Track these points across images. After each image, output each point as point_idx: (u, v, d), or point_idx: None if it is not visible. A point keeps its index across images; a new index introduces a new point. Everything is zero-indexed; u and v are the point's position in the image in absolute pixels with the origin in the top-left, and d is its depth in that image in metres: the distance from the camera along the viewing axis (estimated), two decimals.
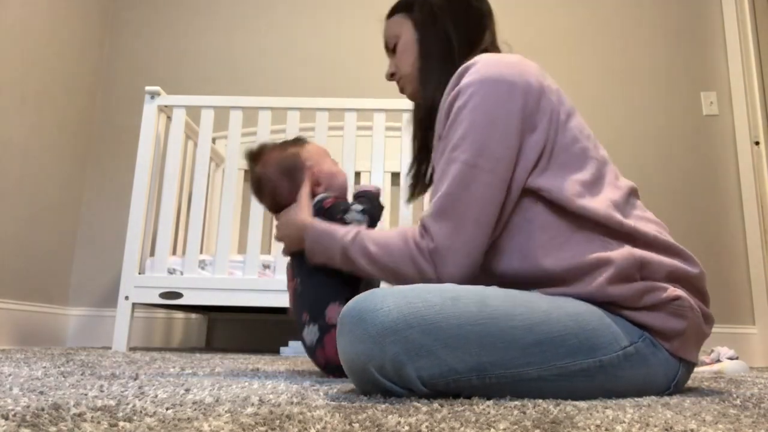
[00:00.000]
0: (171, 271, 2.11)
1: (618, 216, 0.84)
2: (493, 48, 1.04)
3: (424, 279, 0.86)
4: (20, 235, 2.38)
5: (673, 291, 0.82)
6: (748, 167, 2.74)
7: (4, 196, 2.28)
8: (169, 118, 2.29)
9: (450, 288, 0.78)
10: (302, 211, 1.11)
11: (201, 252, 2.63)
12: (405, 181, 1.27)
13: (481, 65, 0.89)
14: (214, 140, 2.82)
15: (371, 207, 1.13)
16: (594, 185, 0.87)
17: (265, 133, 2.19)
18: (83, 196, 2.86)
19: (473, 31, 1.01)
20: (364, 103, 2.21)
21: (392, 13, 1.08)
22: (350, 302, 0.76)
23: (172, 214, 2.17)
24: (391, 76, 1.09)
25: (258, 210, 2.14)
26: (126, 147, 2.90)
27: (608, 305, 0.82)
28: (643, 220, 0.88)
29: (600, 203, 0.85)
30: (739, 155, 2.77)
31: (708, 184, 2.79)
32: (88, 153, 2.91)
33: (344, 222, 1.08)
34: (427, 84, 1.01)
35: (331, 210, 1.11)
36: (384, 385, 0.72)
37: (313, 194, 1.17)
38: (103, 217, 2.84)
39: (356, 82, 2.99)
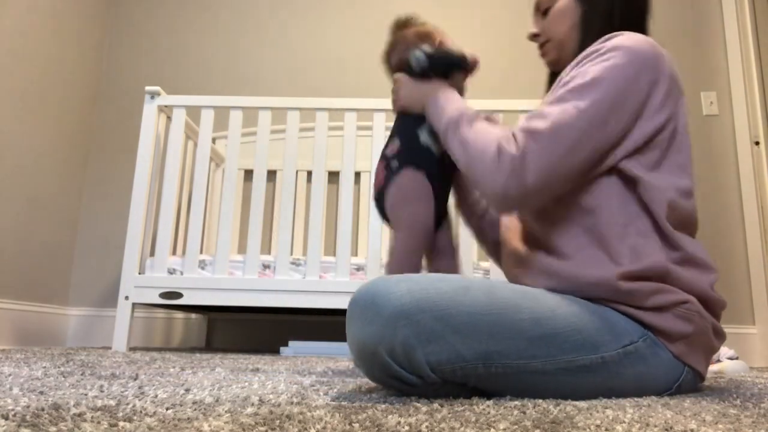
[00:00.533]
0: (171, 271, 2.11)
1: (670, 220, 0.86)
2: (643, 30, 1.02)
3: (493, 178, 0.85)
4: (20, 235, 2.38)
5: (683, 295, 0.83)
6: (748, 167, 2.74)
7: (3, 196, 2.28)
8: (169, 118, 2.29)
9: (461, 279, 0.80)
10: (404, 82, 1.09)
11: (201, 252, 2.63)
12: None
13: (627, 36, 0.89)
14: (214, 140, 2.83)
15: (439, 52, 1.06)
16: (679, 191, 0.88)
17: (265, 133, 2.19)
18: (83, 196, 2.86)
19: (636, 13, 1.00)
20: (364, 103, 2.21)
21: None
22: (362, 287, 0.78)
23: (172, 214, 2.17)
24: (534, 37, 1.08)
25: (258, 210, 2.14)
26: (126, 147, 2.90)
27: (613, 301, 0.83)
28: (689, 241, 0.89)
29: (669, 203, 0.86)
30: (739, 155, 2.77)
31: (708, 184, 2.79)
32: (88, 153, 2.91)
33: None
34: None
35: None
36: (393, 369, 0.73)
37: None
38: (103, 217, 2.84)
39: (356, 82, 2.99)
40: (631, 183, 0.87)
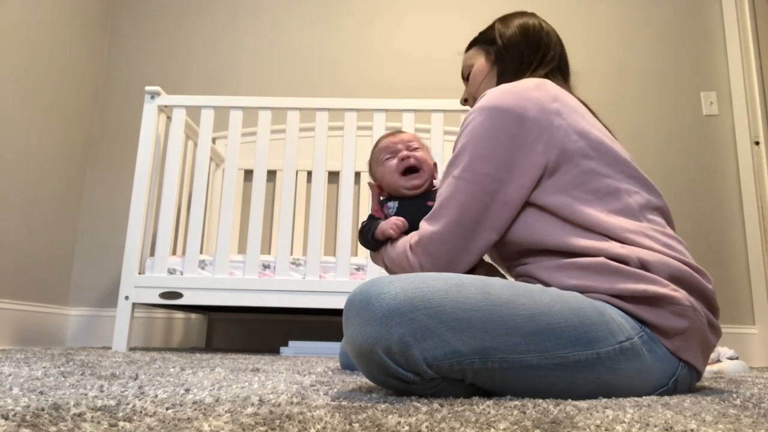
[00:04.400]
0: (171, 271, 2.11)
1: (614, 221, 0.90)
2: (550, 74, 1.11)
3: (412, 269, 1.01)
4: (20, 235, 2.38)
5: (672, 290, 0.84)
6: (748, 167, 2.74)
7: (4, 196, 2.28)
8: (169, 118, 2.29)
9: (454, 276, 0.81)
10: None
11: (201, 252, 2.63)
12: None
13: (487, 95, 0.99)
14: (214, 140, 2.83)
15: (359, 233, 1.22)
16: (600, 200, 0.93)
17: (265, 133, 2.19)
18: (83, 196, 2.86)
19: (548, 63, 1.11)
20: (364, 103, 2.21)
21: (469, 47, 1.22)
22: (356, 289, 0.80)
23: (172, 214, 2.17)
24: (464, 102, 1.23)
25: (258, 210, 2.14)
26: (126, 147, 2.90)
27: (612, 296, 0.85)
28: (654, 234, 0.91)
29: (601, 213, 0.91)
30: (739, 155, 2.77)
31: (708, 184, 2.79)
32: (88, 153, 2.91)
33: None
34: None
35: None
36: (391, 368, 0.74)
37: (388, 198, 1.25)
38: (103, 217, 2.84)
39: (356, 82, 2.99)
40: (554, 211, 0.93)
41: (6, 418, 0.51)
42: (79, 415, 0.54)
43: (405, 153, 1.20)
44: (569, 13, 3.05)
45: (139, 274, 2.11)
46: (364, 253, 2.68)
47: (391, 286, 0.76)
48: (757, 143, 2.72)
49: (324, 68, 3.02)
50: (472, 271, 1.10)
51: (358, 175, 2.79)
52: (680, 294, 0.84)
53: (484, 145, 0.95)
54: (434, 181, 1.23)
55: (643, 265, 0.86)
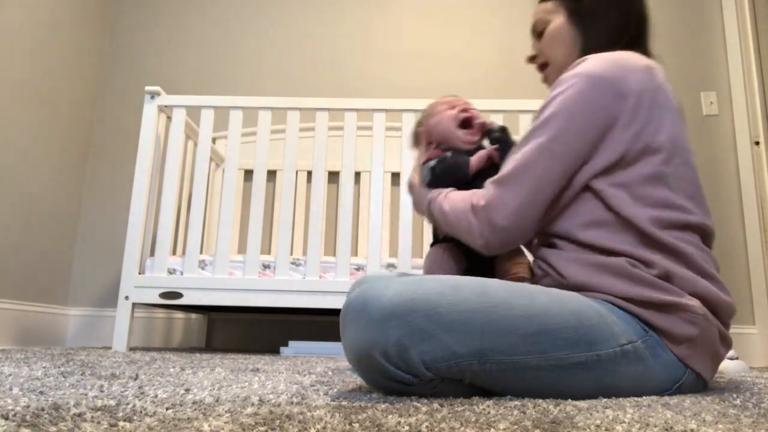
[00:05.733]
0: (171, 271, 2.11)
1: (656, 230, 0.86)
2: (640, 47, 1.01)
3: (472, 234, 0.93)
4: (20, 235, 2.38)
5: (688, 299, 0.83)
6: (748, 167, 2.74)
7: (3, 196, 2.28)
8: (169, 118, 2.29)
9: (451, 278, 0.81)
10: (413, 174, 1.17)
11: (201, 252, 2.63)
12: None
13: (592, 61, 0.91)
14: (214, 140, 2.83)
15: (442, 167, 1.12)
16: (652, 207, 0.88)
17: (265, 133, 2.19)
18: (83, 196, 2.86)
19: (634, 33, 1.00)
20: (364, 103, 2.21)
21: None
22: (353, 292, 0.79)
23: (172, 214, 2.17)
24: (530, 59, 1.11)
25: (258, 210, 2.14)
26: (126, 147, 2.90)
27: (621, 298, 0.84)
28: (686, 243, 0.88)
29: (648, 220, 0.87)
30: (739, 155, 2.77)
31: (708, 184, 2.79)
32: (88, 153, 2.91)
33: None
34: None
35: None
36: (389, 370, 0.74)
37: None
38: (103, 217, 2.84)
39: (356, 82, 2.99)
40: (605, 200, 0.89)
41: (6, 418, 0.51)
42: (79, 415, 0.54)
43: (465, 106, 1.17)
44: None
45: (139, 274, 2.11)
46: (363, 253, 2.68)
47: (387, 289, 0.75)
48: (757, 143, 2.71)
49: (324, 68, 3.02)
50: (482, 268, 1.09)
51: (358, 175, 2.79)
52: (694, 302, 0.83)
53: (579, 117, 0.88)
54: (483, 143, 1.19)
55: (668, 279, 0.84)
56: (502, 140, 1.14)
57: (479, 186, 0.99)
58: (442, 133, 1.16)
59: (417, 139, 1.24)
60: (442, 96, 1.25)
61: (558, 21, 1.04)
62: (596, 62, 0.90)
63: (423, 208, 1.08)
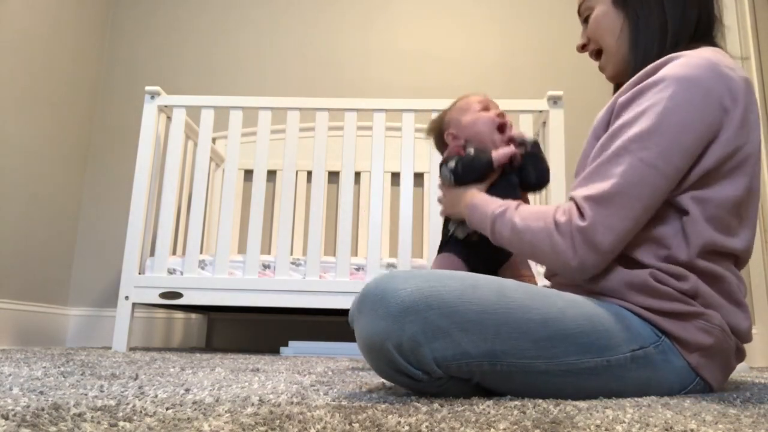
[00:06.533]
0: (171, 271, 2.11)
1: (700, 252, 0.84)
2: (709, 40, 0.94)
3: (558, 255, 0.83)
4: (20, 235, 2.38)
5: (705, 309, 0.82)
6: None
7: (4, 196, 2.28)
8: (169, 118, 2.29)
9: (469, 276, 0.80)
10: (475, 193, 1.10)
11: (201, 252, 2.63)
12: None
13: (685, 61, 0.83)
14: (214, 140, 2.83)
15: (463, 164, 1.09)
16: (715, 228, 0.84)
17: (265, 133, 2.19)
18: (83, 196, 2.86)
19: (698, 23, 0.92)
20: (364, 103, 2.21)
21: None
22: (372, 281, 0.78)
23: (172, 214, 2.17)
24: (581, 48, 1.04)
25: (258, 210, 2.14)
26: (126, 147, 2.90)
27: (635, 303, 0.83)
28: (724, 268, 0.86)
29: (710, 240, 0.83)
30: None
31: None
32: (88, 153, 2.91)
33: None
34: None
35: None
36: (400, 364, 0.74)
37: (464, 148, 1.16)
38: (103, 217, 2.84)
39: (356, 82, 2.99)
40: (679, 213, 0.85)
41: (6, 418, 0.51)
42: (79, 415, 0.54)
43: (500, 110, 1.17)
44: (569, 13, 3.05)
45: (139, 274, 2.11)
46: (363, 253, 2.68)
47: (407, 282, 0.75)
48: None
49: (324, 68, 3.02)
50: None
51: (358, 175, 2.79)
52: (711, 312, 0.83)
53: (683, 130, 0.80)
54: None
55: (695, 296, 0.82)
56: (533, 155, 1.15)
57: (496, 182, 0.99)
58: (478, 132, 1.15)
59: (439, 131, 1.22)
60: (470, 93, 1.24)
61: (601, 9, 0.98)
62: (691, 64, 0.83)
63: (486, 226, 0.96)
